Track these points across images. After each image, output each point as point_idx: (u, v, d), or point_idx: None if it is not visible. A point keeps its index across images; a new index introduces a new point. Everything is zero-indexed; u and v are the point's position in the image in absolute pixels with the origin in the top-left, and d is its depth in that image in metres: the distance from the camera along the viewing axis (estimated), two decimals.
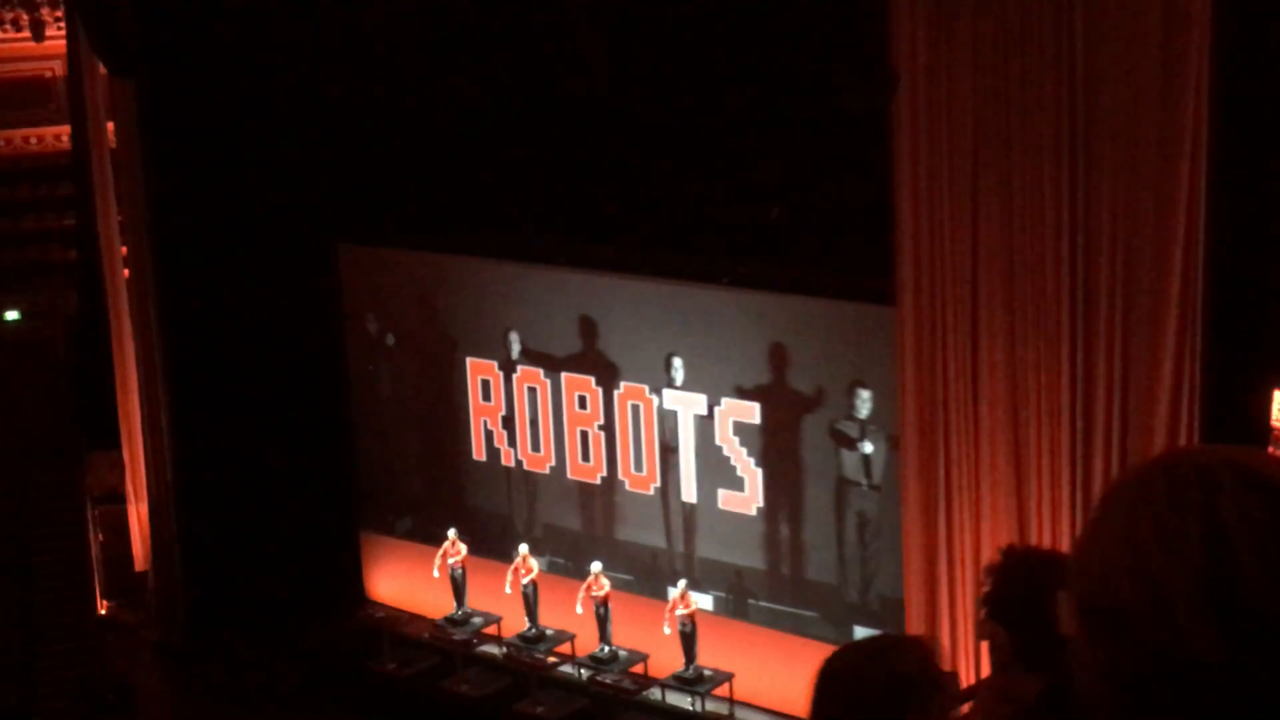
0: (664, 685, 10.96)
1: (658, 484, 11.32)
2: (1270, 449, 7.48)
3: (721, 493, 10.95)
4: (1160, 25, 7.96)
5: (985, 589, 3.92)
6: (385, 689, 11.89)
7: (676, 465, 11.19)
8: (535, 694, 11.39)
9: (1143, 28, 8.01)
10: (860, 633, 10.07)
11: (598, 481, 11.67)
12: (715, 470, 10.98)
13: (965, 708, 3.97)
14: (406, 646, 12.16)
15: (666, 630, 10.81)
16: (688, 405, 11.07)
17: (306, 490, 12.78)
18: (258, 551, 12.62)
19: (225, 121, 12.20)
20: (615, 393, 11.44)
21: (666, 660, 11.00)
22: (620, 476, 11.52)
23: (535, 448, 11.97)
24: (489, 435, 12.22)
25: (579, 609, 11.23)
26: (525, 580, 11.61)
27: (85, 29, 12.74)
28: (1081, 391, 8.55)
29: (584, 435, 11.66)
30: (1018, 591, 3.69)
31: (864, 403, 10.16)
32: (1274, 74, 7.99)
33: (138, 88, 12.29)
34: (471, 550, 12.00)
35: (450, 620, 12.06)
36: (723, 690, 10.83)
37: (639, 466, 11.39)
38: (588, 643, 11.41)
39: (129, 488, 13.52)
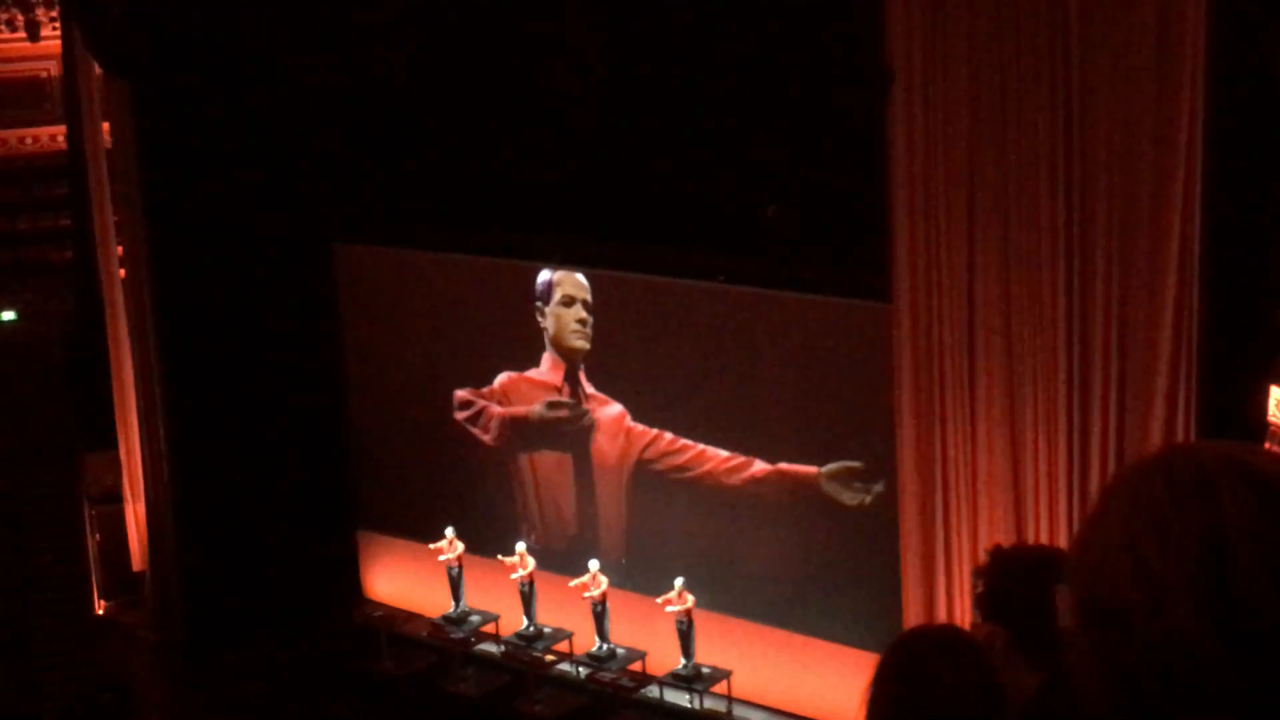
0: (662, 683, 10.96)
1: (655, 479, 11.31)
2: (1268, 444, 7.48)
3: (719, 486, 10.95)
4: (1156, 22, 7.97)
5: (978, 590, 3.93)
6: (383, 688, 11.89)
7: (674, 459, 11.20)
8: (533, 692, 11.39)
9: (1138, 20, 8.02)
10: (858, 629, 10.06)
11: (596, 479, 11.66)
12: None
13: None
14: (404, 645, 12.16)
15: (668, 610, 10.77)
16: (683, 399, 11.07)
17: (304, 489, 12.78)
18: (255, 551, 12.62)
19: (221, 121, 12.19)
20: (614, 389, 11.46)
21: (664, 658, 11.00)
22: (618, 473, 11.51)
23: (538, 447, 11.98)
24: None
25: (572, 584, 11.22)
26: (522, 578, 11.60)
27: (80, 29, 12.72)
28: (1079, 387, 8.56)
29: (586, 432, 11.66)
30: (1011, 588, 3.70)
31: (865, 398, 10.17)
32: (1271, 66, 8.00)
33: (133, 87, 12.27)
34: (469, 549, 11.99)
35: (448, 619, 12.06)
36: (721, 688, 10.83)
37: (641, 461, 11.39)
38: (585, 640, 11.41)
39: (126, 487, 13.51)
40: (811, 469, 10.43)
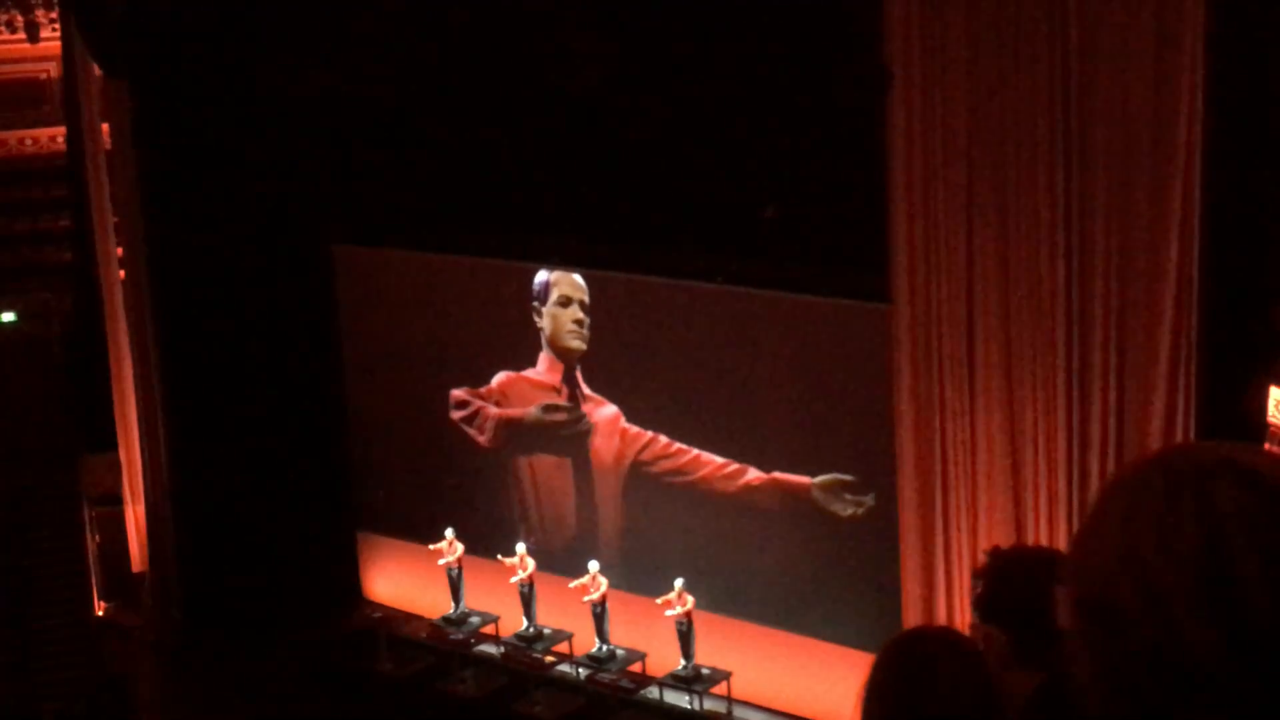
0: (661, 684, 10.95)
1: (651, 481, 11.30)
2: (1267, 445, 7.48)
3: (715, 492, 10.94)
4: (1155, 21, 7.97)
5: (976, 591, 3.93)
6: (383, 689, 11.88)
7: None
8: (533, 693, 11.39)
9: (1137, 25, 8.02)
10: (858, 629, 10.06)
11: (594, 480, 11.66)
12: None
13: None
14: (404, 646, 12.16)
15: (668, 612, 10.77)
16: (680, 401, 11.06)
17: (303, 490, 12.78)
18: (255, 552, 12.61)
19: (220, 122, 12.20)
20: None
21: (664, 659, 10.99)
22: (619, 474, 11.51)
23: (535, 449, 11.97)
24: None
25: (572, 585, 11.20)
26: (522, 580, 11.60)
27: (79, 30, 12.73)
28: (1078, 388, 8.56)
29: (583, 434, 11.65)
30: (1011, 590, 3.70)
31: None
32: (1270, 72, 8.00)
33: (132, 89, 12.28)
34: (469, 550, 11.99)
35: (447, 620, 12.05)
36: (720, 689, 10.82)
37: (637, 463, 11.39)
38: (585, 642, 11.41)
39: (126, 489, 13.51)
40: (805, 479, 10.43)
